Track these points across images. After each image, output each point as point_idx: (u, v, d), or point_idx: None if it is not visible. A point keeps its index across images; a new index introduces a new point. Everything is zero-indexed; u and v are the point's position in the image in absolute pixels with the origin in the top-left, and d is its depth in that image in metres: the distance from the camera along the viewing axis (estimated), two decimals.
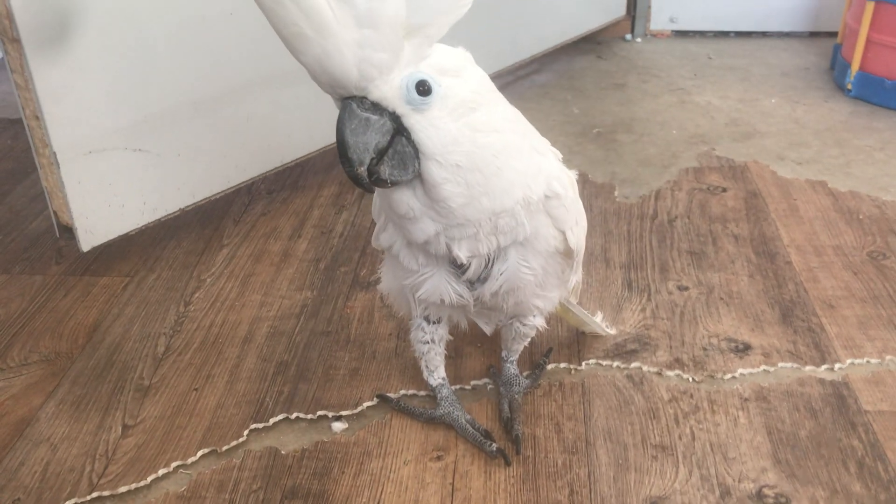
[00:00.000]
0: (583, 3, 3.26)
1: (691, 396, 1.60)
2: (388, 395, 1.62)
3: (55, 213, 1.92)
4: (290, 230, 2.22)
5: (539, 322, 1.52)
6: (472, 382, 1.66)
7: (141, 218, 2.05)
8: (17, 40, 1.69)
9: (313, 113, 2.29)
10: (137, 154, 1.98)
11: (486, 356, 1.73)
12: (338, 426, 1.56)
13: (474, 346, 1.75)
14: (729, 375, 1.65)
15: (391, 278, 1.48)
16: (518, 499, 1.39)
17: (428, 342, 1.54)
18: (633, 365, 1.68)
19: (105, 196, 1.95)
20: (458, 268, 1.32)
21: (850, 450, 1.47)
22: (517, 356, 1.62)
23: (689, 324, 1.80)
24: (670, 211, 2.24)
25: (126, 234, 2.04)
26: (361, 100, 1.10)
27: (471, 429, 1.50)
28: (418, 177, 1.17)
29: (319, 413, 1.59)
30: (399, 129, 1.13)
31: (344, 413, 1.59)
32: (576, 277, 1.49)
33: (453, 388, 1.62)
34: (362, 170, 1.12)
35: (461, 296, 1.36)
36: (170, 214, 2.10)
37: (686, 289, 1.91)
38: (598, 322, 1.72)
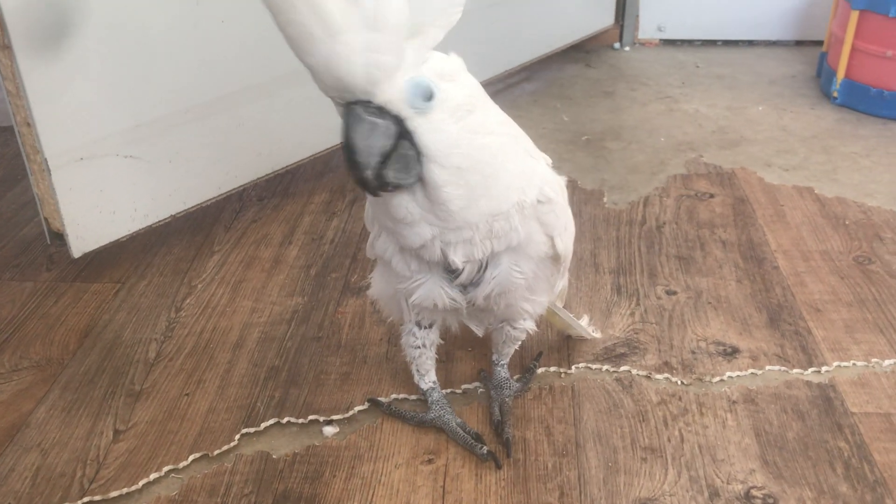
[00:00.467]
0: (572, 12, 3.28)
1: (680, 399, 1.61)
2: (380, 399, 1.63)
3: (46, 219, 1.93)
4: (281, 237, 2.23)
5: (529, 325, 1.53)
6: (463, 386, 1.67)
7: (132, 224, 2.05)
8: (7, 47, 1.70)
9: (304, 120, 2.30)
10: (129, 161, 1.98)
11: (477, 360, 1.74)
12: (329, 430, 1.57)
13: (465, 350, 1.76)
14: (717, 378, 1.66)
15: (383, 284, 1.49)
16: (508, 501, 1.40)
17: (419, 347, 1.55)
18: (623, 368, 1.69)
19: (96, 202, 1.95)
20: (451, 273, 1.33)
21: (836, 451, 1.48)
22: (508, 360, 1.63)
23: (677, 328, 1.81)
24: (659, 217, 2.25)
25: (117, 241, 2.04)
26: (366, 104, 1.11)
27: (461, 432, 1.51)
28: (419, 180, 1.18)
29: (311, 417, 1.60)
30: (402, 133, 1.14)
31: (335, 417, 1.60)
32: (562, 282, 1.51)
33: (444, 391, 1.63)
34: (370, 174, 1.13)
35: (454, 300, 1.37)
36: (161, 221, 2.11)
37: (674, 293, 1.93)
38: (584, 326, 1.73)
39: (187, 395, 1.67)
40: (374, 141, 1.12)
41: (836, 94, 2.93)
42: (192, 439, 1.56)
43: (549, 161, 1.40)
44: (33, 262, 2.15)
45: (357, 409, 1.62)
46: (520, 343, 1.61)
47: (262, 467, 1.49)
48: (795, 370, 1.68)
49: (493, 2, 2.80)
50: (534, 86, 3.21)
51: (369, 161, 1.12)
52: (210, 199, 2.20)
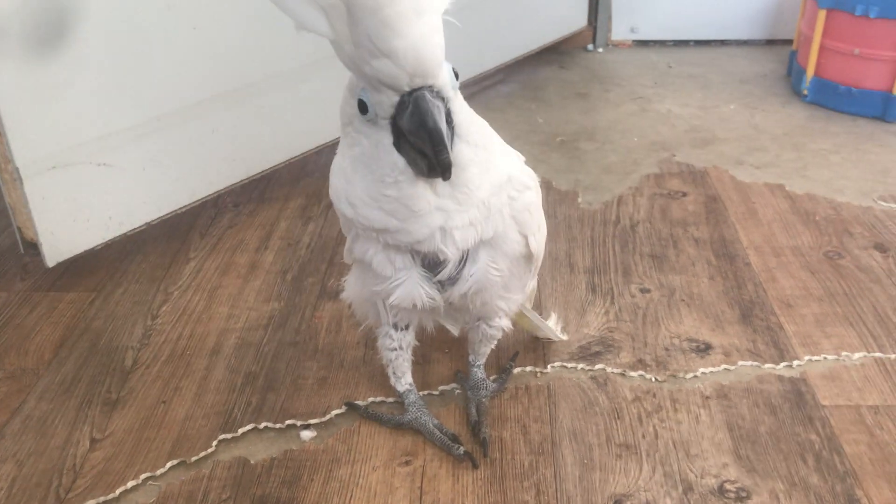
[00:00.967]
0: (545, 14, 3.30)
1: (654, 396, 1.63)
2: (357, 402, 1.64)
3: (19, 228, 1.91)
4: (257, 242, 2.23)
5: (504, 323, 1.54)
6: (440, 387, 1.68)
7: (107, 232, 2.04)
8: None
9: (278, 125, 2.30)
10: (102, 168, 1.98)
11: (454, 362, 1.75)
12: (306, 434, 1.57)
13: (442, 351, 1.77)
14: (691, 374, 1.68)
15: (359, 287, 1.50)
16: (486, 500, 1.41)
17: (396, 349, 1.56)
18: (598, 367, 1.71)
19: (70, 211, 1.95)
20: (431, 270, 1.34)
21: (807, 443, 1.51)
22: (484, 360, 1.65)
23: (651, 325, 1.83)
24: (632, 216, 2.28)
25: (92, 249, 2.03)
26: (430, 88, 1.13)
27: (438, 433, 1.52)
28: None
29: (288, 422, 1.60)
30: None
31: (312, 421, 1.60)
32: (532, 283, 1.52)
33: (421, 393, 1.64)
34: (451, 155, 1.15)
35: (433, 298, 1.38)
36: (136, 228, 2.10)
37: (648, 291, 1.95)
38: (551, 327, 1.75)
39: (164, 402, 1.67)
40: (443, 123, 1.14)
41: (805, 92, 2.97)
42: (169, 446, 1.55)
43: (523, 158, 1.41)
44: (7, 272, 2.13)
45: (334, 412, 1.62)
46: (496, 342, 1.62)
47: (239, 473, 1.49)
48: (767, 365, 1.70)
49: (467, 4, 2.79)
50: (508, 88, 3.22)
51: (448, 143, 1.14)
52: (185, 206, 2.20)
